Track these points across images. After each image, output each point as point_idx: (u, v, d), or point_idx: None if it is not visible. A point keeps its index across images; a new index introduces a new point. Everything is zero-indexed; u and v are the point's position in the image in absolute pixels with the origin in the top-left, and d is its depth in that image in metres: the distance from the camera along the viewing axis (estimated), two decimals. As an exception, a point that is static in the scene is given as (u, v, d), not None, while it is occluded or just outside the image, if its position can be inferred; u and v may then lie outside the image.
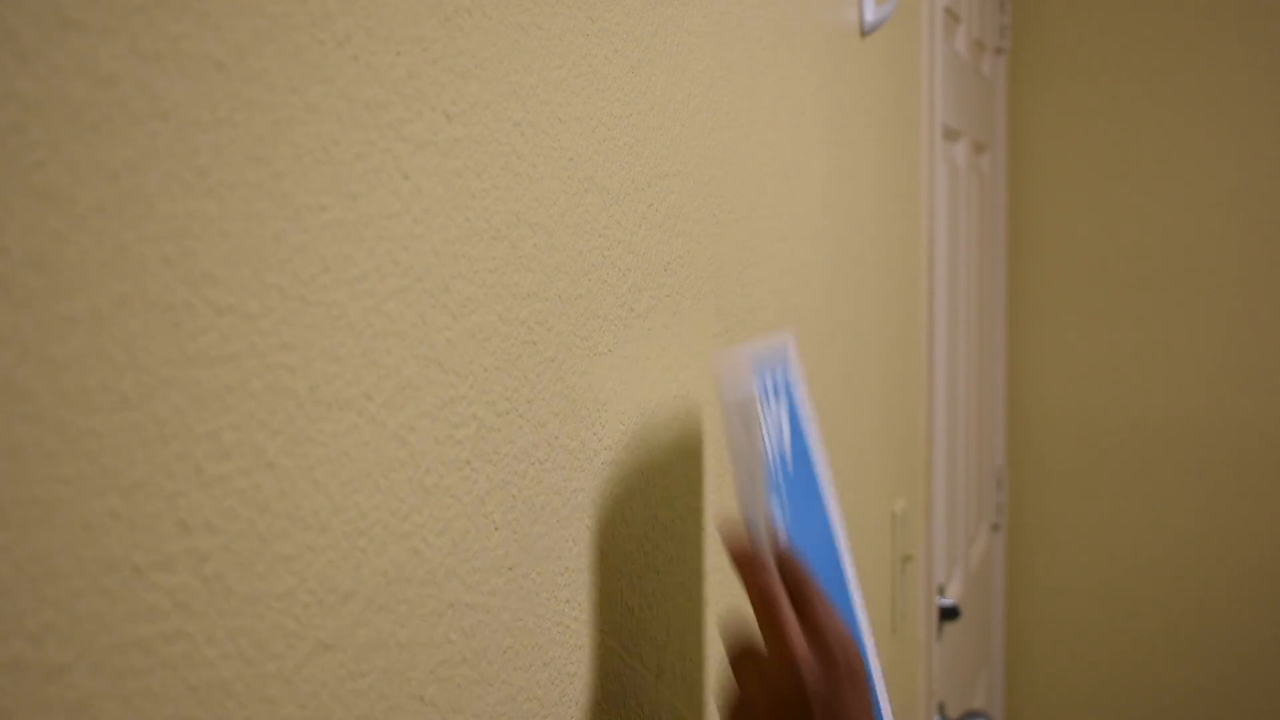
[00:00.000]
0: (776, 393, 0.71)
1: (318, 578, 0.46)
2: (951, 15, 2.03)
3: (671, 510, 0.80)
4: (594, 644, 0.70)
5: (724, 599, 0.90)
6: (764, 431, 0.68)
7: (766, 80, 0.99)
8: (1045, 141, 2.75)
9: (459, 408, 0.56)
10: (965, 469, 2.23)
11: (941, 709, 1.89)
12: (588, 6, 0.68)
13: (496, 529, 0.59)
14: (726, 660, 0.68)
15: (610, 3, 0.70)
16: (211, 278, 0.40)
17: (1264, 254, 2.62)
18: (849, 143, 1.27)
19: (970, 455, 2.30)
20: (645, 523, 0.76)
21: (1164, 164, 2.68)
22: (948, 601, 1.90)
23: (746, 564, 0.66)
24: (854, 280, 1.29)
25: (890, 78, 1.49)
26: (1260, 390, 2.64)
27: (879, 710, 0.67)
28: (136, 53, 0.37)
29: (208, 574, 0.40)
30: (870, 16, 1.33)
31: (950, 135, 2.02)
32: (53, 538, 0.34)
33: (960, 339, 2.16)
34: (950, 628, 2.04)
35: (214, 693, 0.41)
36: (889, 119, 1.48)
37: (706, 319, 0.87)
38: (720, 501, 0.88)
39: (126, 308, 0.37)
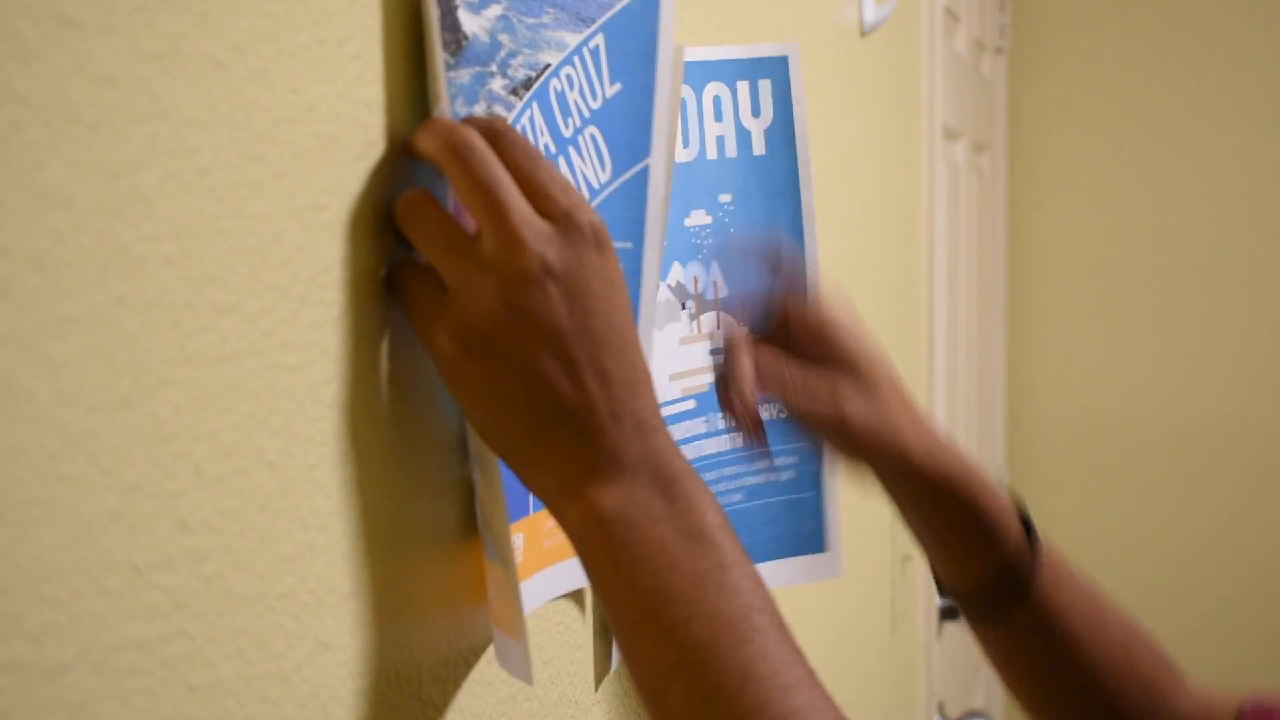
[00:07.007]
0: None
1: (318, 578, 0.46)
2: (951, 15, 2.03)
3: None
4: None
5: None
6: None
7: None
8: (1045, 141, 2.75)
9: (459, 408, 0.56)
10: (965, 469, 2.23)
11: (941, 709, 1.89)
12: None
13: (496, 529, 0.59)
14: (412, 252, 0.50)
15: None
16: (211, 278, 0.40)
17: (1264, 253, 2.62)
18: (849, 143, 1.27)
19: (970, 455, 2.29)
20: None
21: (1164, 163, 2.68)
22: (948, 601, 1.90)
23: (454, 155, 0.47)
24: (854, 280, 1.29)
25: (890, 78, 1.48)
26: (1261, 390, 2.63)
27: (638, 293, 0.54)
28: (136, 53, 0.37)
29: (208, 574, 0.40)
30: (870, 16, 1.33)
31: (950, 135, 2.02)
32: (53, 538, 0.34)
33: (960, 339, 2.16)
34: (950, 628, 2.04)
35: (214, 693, 0.41)
36: (889, 119, 1.48)
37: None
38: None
39: (126, 308, 0.37)
